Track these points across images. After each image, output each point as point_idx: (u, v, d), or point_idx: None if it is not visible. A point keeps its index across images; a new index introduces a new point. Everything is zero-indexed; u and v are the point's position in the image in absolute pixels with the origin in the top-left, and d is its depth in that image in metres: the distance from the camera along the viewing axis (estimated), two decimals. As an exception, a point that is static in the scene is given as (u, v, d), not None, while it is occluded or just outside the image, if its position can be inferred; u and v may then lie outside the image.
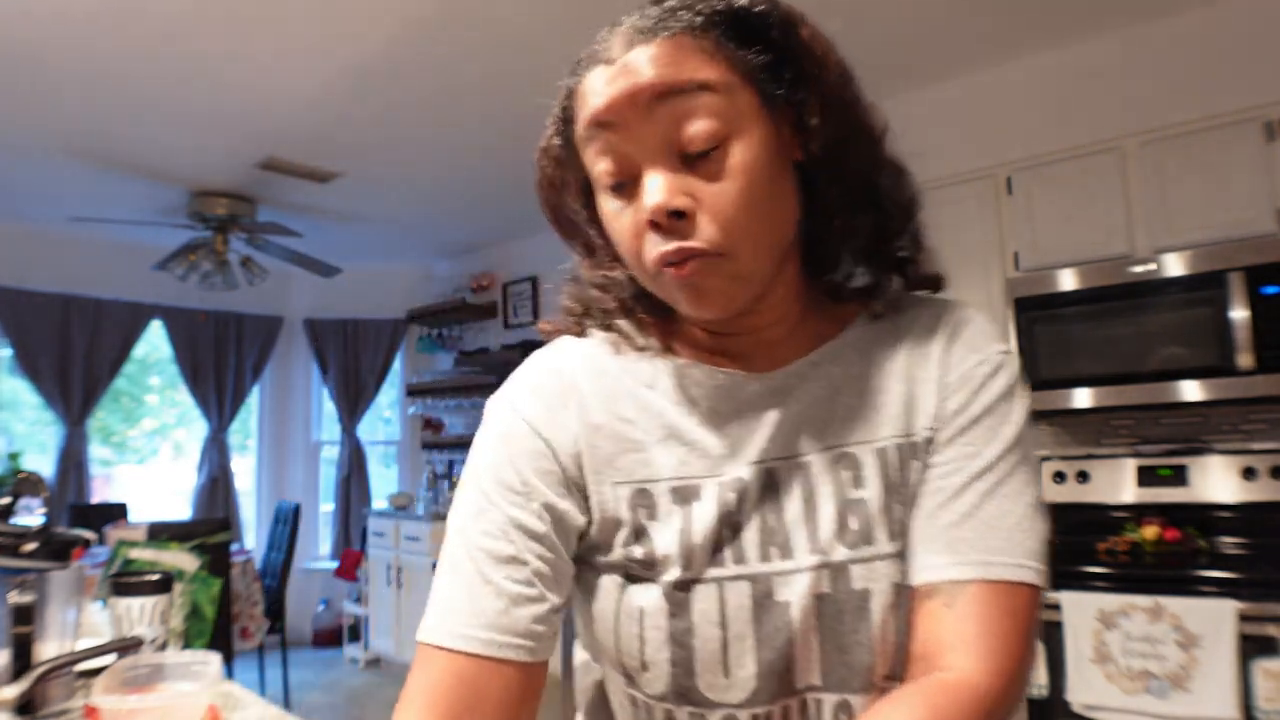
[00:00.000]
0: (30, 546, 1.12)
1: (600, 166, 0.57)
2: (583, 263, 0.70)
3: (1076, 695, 2.05)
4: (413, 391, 5.48)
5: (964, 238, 2.83)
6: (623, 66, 0.54)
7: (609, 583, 0.61)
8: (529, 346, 5.20)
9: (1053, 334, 2.51)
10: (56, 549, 1.14)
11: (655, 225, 0.54)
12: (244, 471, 5.43)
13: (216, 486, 5.06)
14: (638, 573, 0.60)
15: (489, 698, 0.55)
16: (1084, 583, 2.14)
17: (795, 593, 0.57)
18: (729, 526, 0.59)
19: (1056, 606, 2.13)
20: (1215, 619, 1.90)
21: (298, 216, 4.32)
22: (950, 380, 0.61)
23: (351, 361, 5.53)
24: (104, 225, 4.36)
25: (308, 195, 4.07)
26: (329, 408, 5.62)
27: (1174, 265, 2.32)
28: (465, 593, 0.58)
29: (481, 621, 0.56)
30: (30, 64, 2.67)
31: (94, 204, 4.11)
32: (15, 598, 1.11)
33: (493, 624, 0.56)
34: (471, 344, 5.34)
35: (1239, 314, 2.20)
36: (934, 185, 2.93)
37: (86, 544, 1.21)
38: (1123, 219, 2.50)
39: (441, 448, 5.35)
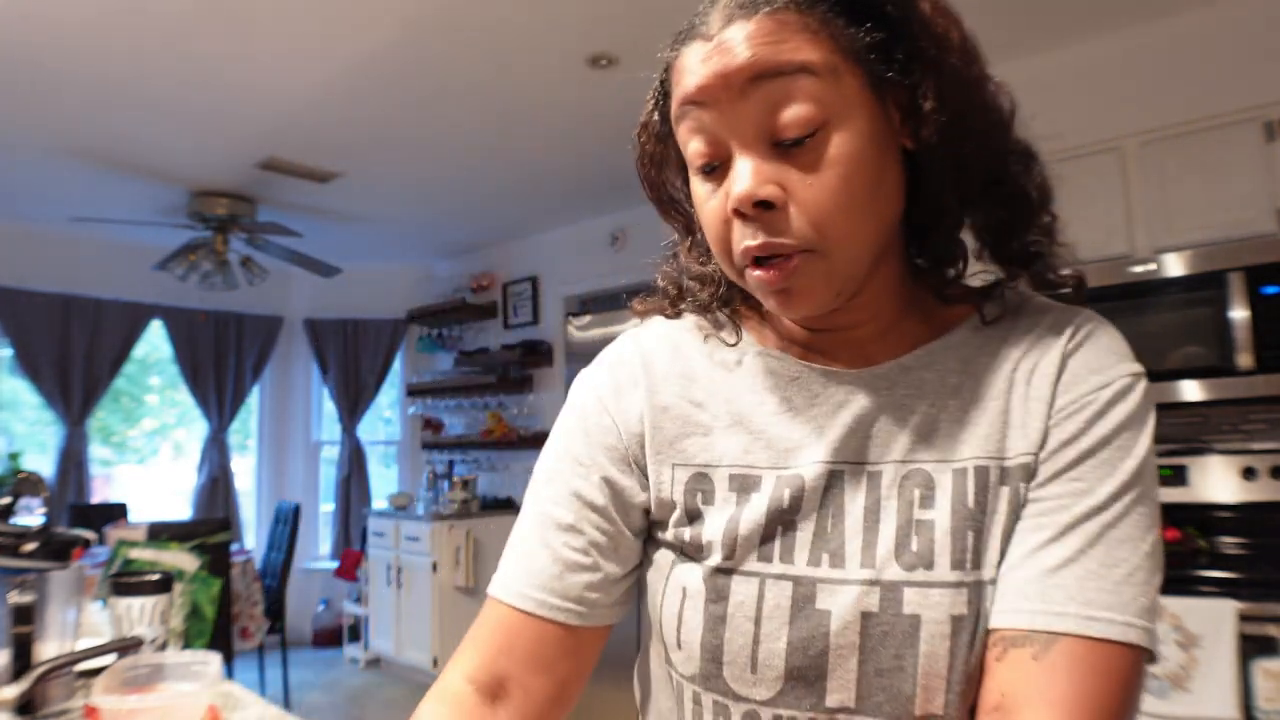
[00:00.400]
0: (30, 546, 1.12)
1: (692, 146, 0.54)
2: (682, 244, 0.67)
3: (1076, 695, 2.05)
4: (413, 391, 5.49)
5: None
6: (719, 43, 0.51)
7: (662, 557, 0.62)
8: (529, 346, 5.17)
9: (1053, 334, 2.51)
10: (56, 549, 1.15)
11: (741, 215, 0.52)
12: (244, 471, 5.43)
13: (216, 486, 5.06)
14: (689, 553, 0.60)
15: (520, 647, 0.60)
16: (1084, 583, 2.14)
17: (838, 604, 0.54)
18: (781, 523, 0.57)
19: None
20: (1215, 619, 1.90)
21: (298, 216, 4.32)
22: (1064, 403, 0.54)
23: (351, 361, 5.53)
24: (104, 225, 4.36)
25: (308, 195, 4.07)
26: (329, 408, 5.62)
27: (1174, 265, 2.32)
28: (525, 553, 0.62)
29: (535, 582, 0.60)
30: (30, 64, 2.67)
31: (94, 204, 4.11)
32: (15, 598, 1.11)
33: (545, 586, 0.60)
34: (471, 344, 5.34)
35: (1239, 314, 2.20)
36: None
37: (86, 544, 1.21)
38: (1123, 219, 2.50)
39: (441, 448, 5.35)
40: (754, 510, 0.57)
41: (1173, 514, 2.45)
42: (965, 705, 0.52)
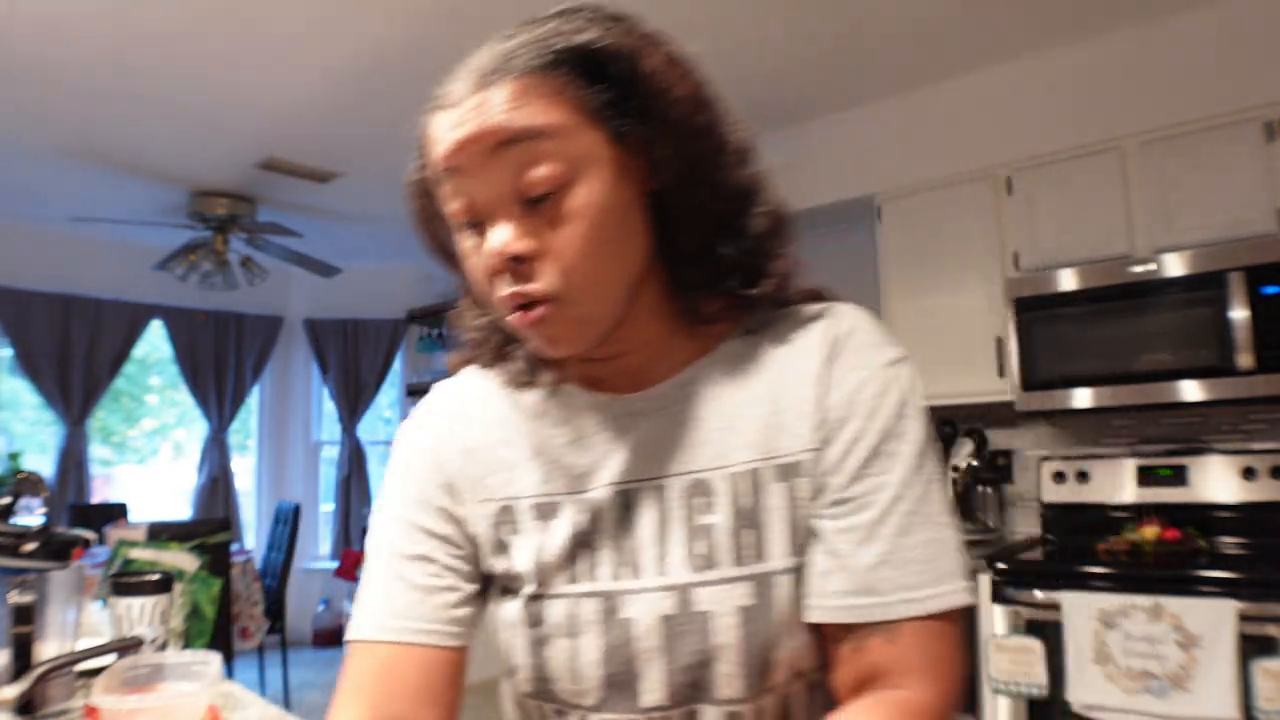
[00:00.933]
0: (30, 546, 1.12)
1: (451, 208, 0.58)
2: (466, 294, 0.71)
3: (1076, 695, 2.05)
4: (413, 391, 5.48)
5: (964, 238, 2.83)
6: (463, 113, 0.55)
7: (492, 590, 0.66)
8: (529, 346, 5.27)
9: (1053, 334, 2.51)
10: (56, 549, 1.15)
11: (499, 269, 0.56)
12: (244, 471, 5.43)
13: (216, 486, 5.06)
14: (506, 584, 0.64)
15: (409, 682, 0.60)
16: (1084, 583, 2.14)
17: (640, 611, 0.59)
18: (582, 544, 0.61)
19: (1056, 606, 2.13)
20: (1215, 619, 1.90)
21: (298, 216, 4.32)
22: (835, 401, 0.59)
23: (351, 361, 5.53)
24: (104, 225, 4.36)
25: (308, 195, 4.07)
26: (329, 408, 5.62)
27: (1174, 265, 2.32)
28: (383, 591, 0.64)
29: (397, 612, 0.62)
30: (30, 64, 2.67)
31: (94, 204, 4.11)
32: (15, 598, 1.11)
33: (407, 613, 0.62)
34: (471, 344, 5.33)
35: (1239, 314, 2.20)
36: (934, 185, 2.93)
37: (86, 544, 1.21)
38: (1123, 219, 2.50)
39: (441, 448, 5.35)
40: (556, 536, 0.62)
41: (1173, 514, 2.45)
42: (761, 685, 0.57)
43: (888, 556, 0.56)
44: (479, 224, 0.57)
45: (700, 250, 0.61)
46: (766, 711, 0.59)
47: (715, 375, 0.63)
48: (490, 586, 0.67)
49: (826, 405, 0.59)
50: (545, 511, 0.63)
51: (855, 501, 0.57)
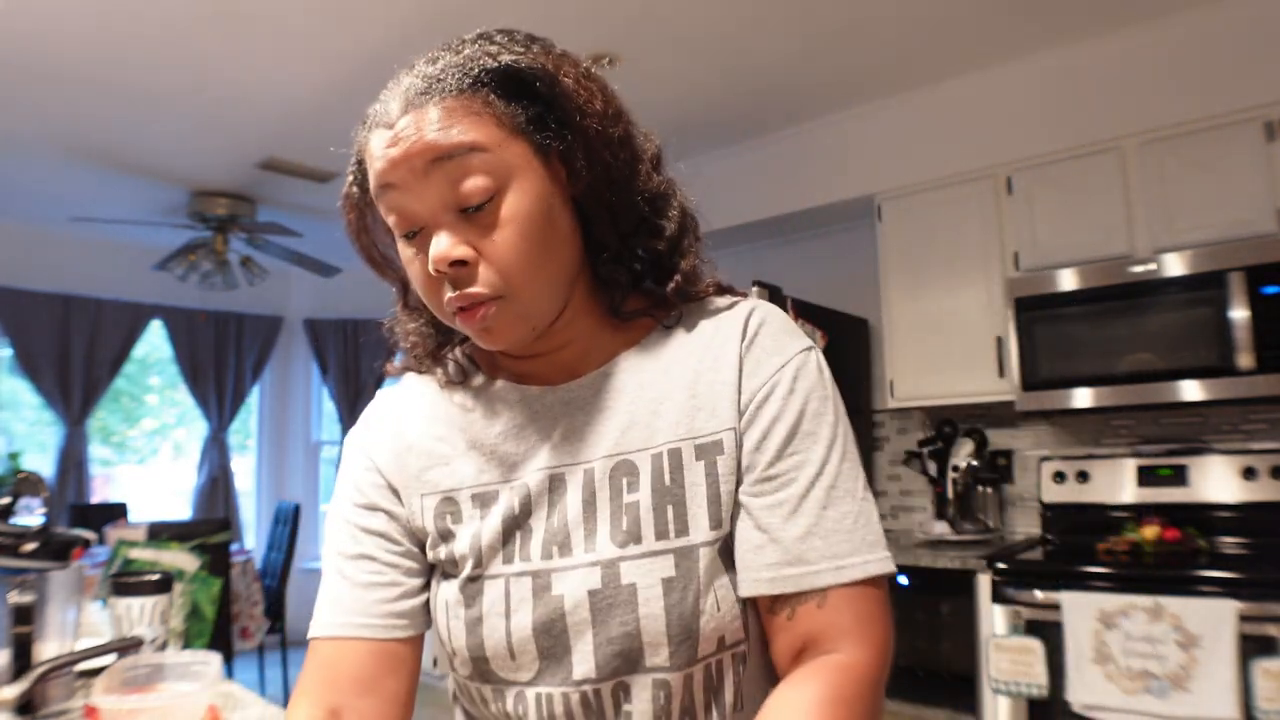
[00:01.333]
0: (30, 546, 1.12)
1: (392, 220, 0.62)
2: (399, 298, 0.75)
3: (1076, 695, 2.05)
4: (413, 391, 5.48)
5: (964, 238, 2.83)
6: (397, 133, 0.59)
7: (433, 580, 0.69)
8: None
9: (1053, 334, 2.51)
10: (56, 549, 1.15)
11: (441, 273, 0.60)
12: (244, 471, 5.43)
13: (216, 486, 5.06)
14: (447, 570, 0.67)
15: (345, 673, 0.64)
16: (1084, 583, 2.14)
17: (569, 587, 0.62)
18: (517, 527, 0.65)
19: (1056, 606, 2.13)
20: (1215, 619, 1.90)
21: (298, 216, 4.32)
22: (754, 385, 0.64)
23: (351, 361, 5.53)
24: (104, 225, 4.36)
25: (308, 195, 4.07)
26: (329, 408, 5.62)
27: (1174, 265, 2.32)
28: (328, 592, 0.68)
29: (342, 609, 0.66)
30: (30, 64, 2.67)
31: (94, 204, 4.11)
32: (15, 598, 1.11)
33: (350, 609, 0.66)
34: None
35: (1239, 314, 2.20)
36: (934, 185, 2.93)
37: (86, 544, 1.21)
38: (1123, 219, 2.50)
39: (441, 448, 5.35)
40: (492, 521, 0.66)
41: (1173, 514, 2.45)
42: (688, 656, 0.61)
43: (813, 528, 0.61)
44: (417, 233, 0.61)
45: (620, 250, 0.67)
46: (694, 681, 0.62)
47: (639, 364, 0.68)
48: (434, 577, 0.70)
49: (746, 388, 0.64)
50: (484, 500, 0.67)
51: (780, 479, 0.62)
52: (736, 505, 0.64)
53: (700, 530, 0.62)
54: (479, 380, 0.73)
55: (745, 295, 0.72)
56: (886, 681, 0.62)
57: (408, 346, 0.76)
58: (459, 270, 0.60)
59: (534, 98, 0.61)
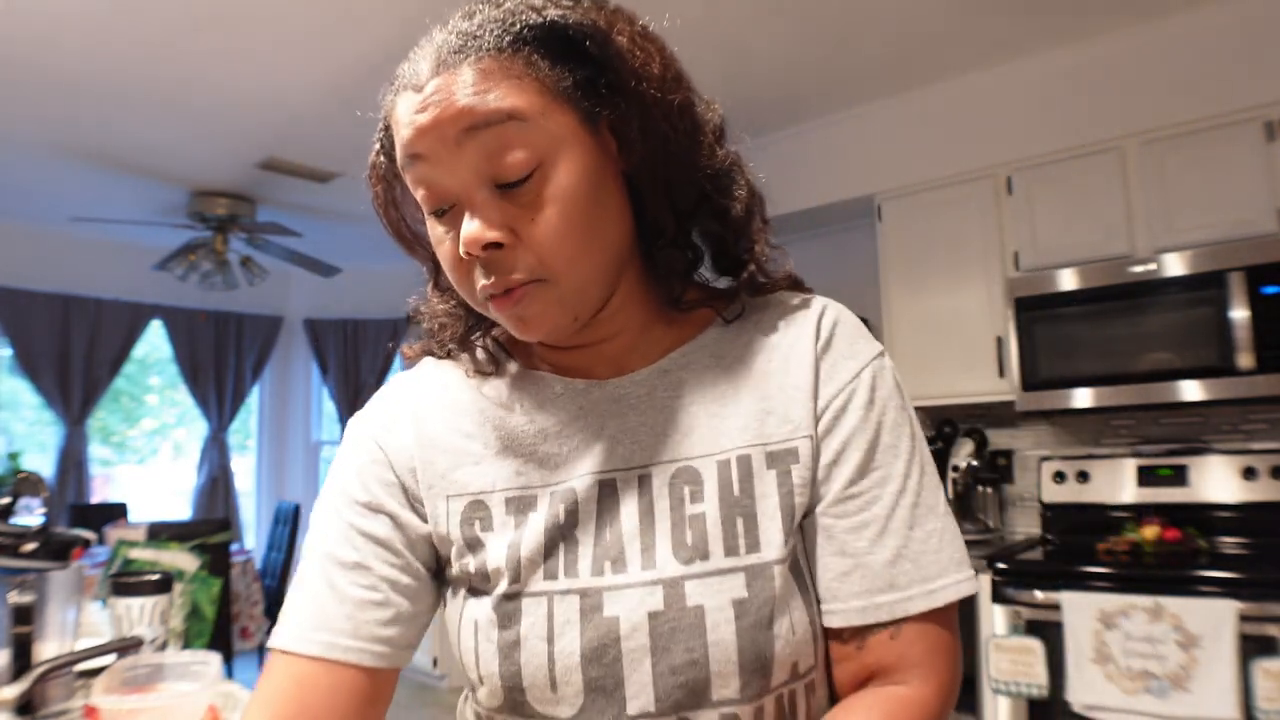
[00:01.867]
0: (30, 546, 1.12)
1: (420, 194, 0.55)
2: (430, 279, 0.69)
3: (1076, 695, 2.05)
4: (413, 391, 5.48)
5: (964, 238, 2.83)
6: (428, 96, 0.52)
7: (454, 595, 0.61)
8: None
9: (1053, 334, 2.51)
10: (56, 549, 1.15)
11: (473, 258, 0.54)
12: (244, 471, 5.43)
13: (216, 486, 5.06)
14: (477, 585, 0.59)
15: (316, 702, 0.55)
16: (1084, 583, 2.14)
17: (625, 608, 0.55)
18: (561, 538, 0.57)
19: (1056, 606, 2.13)
20: (1215, 619, 1.90)
21: (298, 216, 4.32)
22: (831, 391, 0.59)
23: (351, 361, 5.53)
24: (104, 225, 4.36)
25: (308, 195, 4.06)
26: (329, 408, 5.62)
27: (1174, 265, 2.32)
28: (311, 599, 0.58)
29: (324, 625, 0.57)
30: (30, 64, 2.67)
31: (94, 204, 4.11)
32: (15, 598, 1.11)
33: (335, 628, 0.57)
34: (471, 344, 5.33)
35: (1239, 314, 2.20)
36: (934, 185, 2.93)
37: (86, 544, 1.21)
38: (1123, 219, 2.50)
39: (441, 448, 5.34)
40: (533, 530, 0.57)
41: (1173, 514, 2.44)
42: (760, 686, 0.54)
43: (902, 551, 0.56)
44: (448, 210, 0.55)
45: (677, 233, 0.60)
46: (765, 713, 0.55)
47: (701, 361, 0.62)
48: (451, 592, 0.62)
49: (823, 394, 0.59)
50: (521, 505, 0.59)
51: (862, 497, 0.57)
52: (805, 520, 0.58)
53: (773, 546, 0.55)
54: (513, 369, 0.65)
55: (813, 292, 0.65)
56: (949, 716, 0.58)
57: (433, 328, 0.69)
58: (493, 254, 0.53)
59: (583, 59, 0.53)
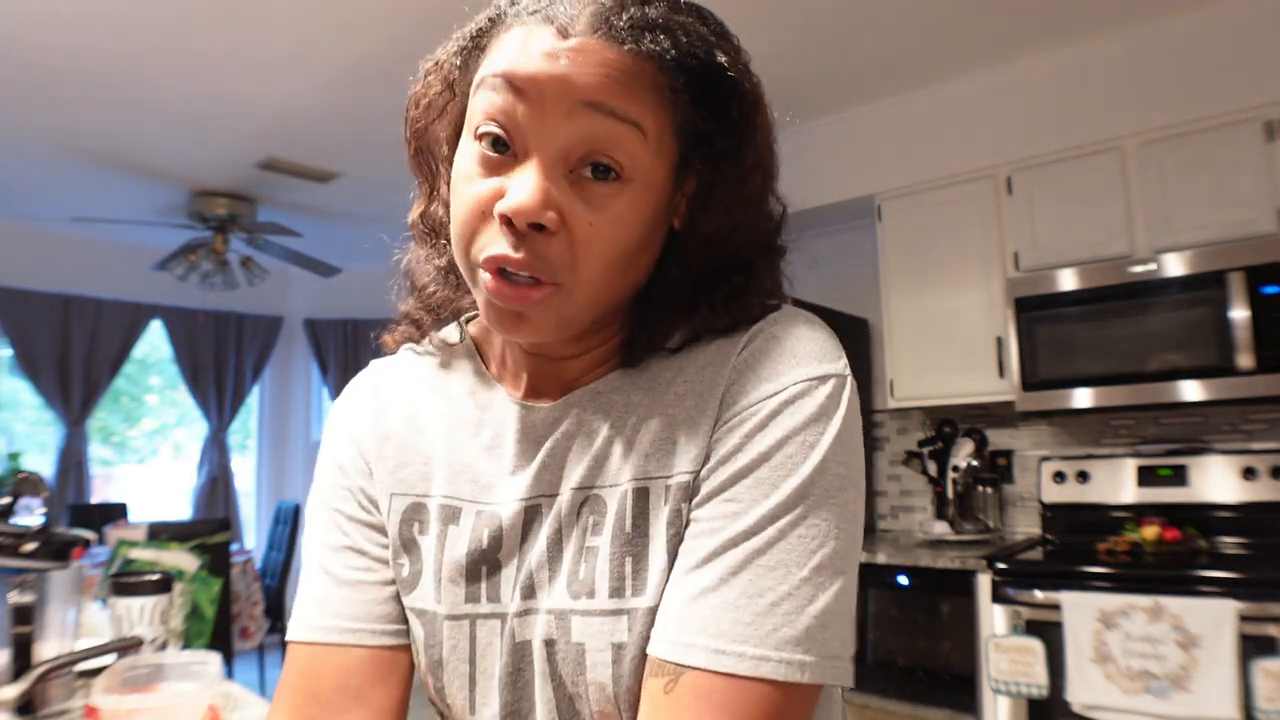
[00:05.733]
0: (30, 546, 1.12)
1: (485, 120, 0.49)
2: (420, 199, 0.62)
3: (1076, 695, 2.05)
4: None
5: (964, 238, 2.83)
6: (574, 48, 0.47)
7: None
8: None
9: (1053, 334, 2.51)
10: (56, 549, 1.15)
11: (508, 223, 0.48)
12: (244, 471, 5.43)
13: (216, 486, 5.06)
14: (404, 591, 0.59)
15: (325, 684, 0.56)
16: (1084, 583, 2.14)
17: (534, 634, 0.54)
18: (485, 563, 0.56)
19: (1056, 606, 2.13)
20: (1215, 619, 1.90)
21: (298, 216, 4.32)
22: (727, 416, 0.52)
23: (351, 361, 5.52)
24: (104, 225, 4.36)
25: (308, 195, 4.07)
26: (329, 408, 5.62)
27: (1174, 265, 2.32)
28: (309, 587, 0.60)
29: (324, 611, 0.58)
30: (30, 64, 2.67)
31: (94, 204, 4.11)
32: (15, 598, 1.11)
33: (334, 612, 0.58)
34: (471, 344, 5.33)
35: (1239, 314, 2.20)
36: (934, 185, 2.93)
37: (86, 544, 1.21)
38: (1123, 219, 2.50)
39: (441, 448, 5.35)
40: (456, 552, 0.57)
41: (1173, 514, 2.45)
42: None
43: (708, 593, 0.47)
44: (504, 152, 0.49)
45: (676, 307, 0.56)
46: None
47: (636, 383, 0.57)
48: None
49: (721, 419, 0.52)
50: (448, 515, 0.58)
51: (705, 524, 0.50)
52: None
53: (655, 592, 0.50)
54: (478, 373, 0.62)
55: (781, 306, 0.58)
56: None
57: (414, 318, 0.65)
58: (533, 233, 0.48)
59: (719, 114, 0.51)
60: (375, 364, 0.68)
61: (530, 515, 0.56)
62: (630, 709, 0.50)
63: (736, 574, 0.47)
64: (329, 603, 0.58)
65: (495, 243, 0.49)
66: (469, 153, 0.51)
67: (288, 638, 0.59)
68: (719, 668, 0.45)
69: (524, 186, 0.47)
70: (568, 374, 0.59)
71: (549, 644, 0.53)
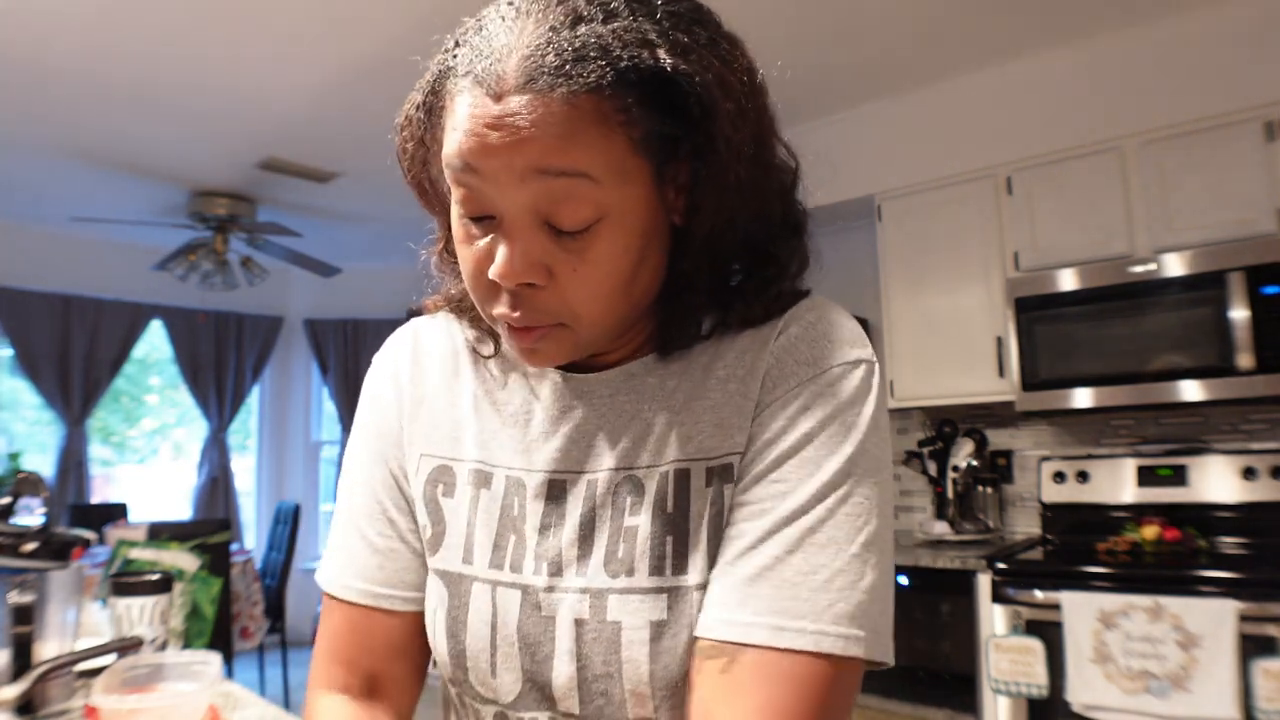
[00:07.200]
0: (30, 546, 1.12)
1: (458, 195, 0.51)
2: (439, 234, 0.64)
3: (1076, 695, 2.05)
4: (413, 391, 5.48)
5: (964, 238, 2.83)
6: (506, 114, 0.46)
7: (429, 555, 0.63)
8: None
9: (1053, 334, 2.51)
10: (56, 549, 1.15)
11: (501, 286, 0.51)
12: (244, 471, 5.43)
13: (216, 486, 5.06)
14: (430, 547, 0.61)
15: (377, 640, 0.61)
16: (1084, 583, 2.14)
17: (559, 612, 0.55)
18: (512, 531, 0.58)
19: (1056, 606, 2.13)
20: (1215, 619, 1.90)
21: (298, 216, 4.32)
22: (769, 400, 0.53)
23: (351, 361, 5.53)
24: (104, 225, 4.36)
25: (308, 195, 4.07)
26: (329, 408, 5.62)
27: (1174, 265, 2.32)
28: (345, 544, 0.63)
29: (360, 574, 0.61)
30: (30, 64, 2.67)
31: (94, 204, 4.11)
32: (15, 598, 1.11)
33: (369, 576, 0.61)
34: (471, 344, 5.33)
35: (1239, 314, 2.20)
36: (934, 185, 2.93)
37: (86, 544, 1.21)
38: (1123, 219, 2.50)
39: (441, 448, 5.34)
40: (488, 515, 0.59)
41: (1173, 514, 2.45)
42: (676, 712, 0.52)
43: (766, 572, 0.49)
44: (482, 219, 0.51)
45: (697, 300, 0.56)
46: None
47: (671, 366, 0.58)
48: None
49: (762, 401, 0.54)
50: (480, 480, 0.60)
51: (755, 506, 0.51)
52: None
53: (697, 570, 0.52)
54: (508, 352, 0.64)
55: (807, 295, 0.60)
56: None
57: (451, 296, 0.67)
58: (525, 289, 0.50)
59: (680, 116, 0.49)
60: (416, 322, 0.69)
61: (555, 490, 0.58)
62: (665, 686, 0.52)
63: (792, 552, 0.49)
64: (363, 566, 0.61)
65: (498, 303, 0.52)
66: (457, 219, 0.53)
67: (324, 583, 0.62)
68: (780, 644, 0.47)
69: (504, 254, 0.49)
70: (601, 357, 0.60)
71: (579, 623, 0.54)
